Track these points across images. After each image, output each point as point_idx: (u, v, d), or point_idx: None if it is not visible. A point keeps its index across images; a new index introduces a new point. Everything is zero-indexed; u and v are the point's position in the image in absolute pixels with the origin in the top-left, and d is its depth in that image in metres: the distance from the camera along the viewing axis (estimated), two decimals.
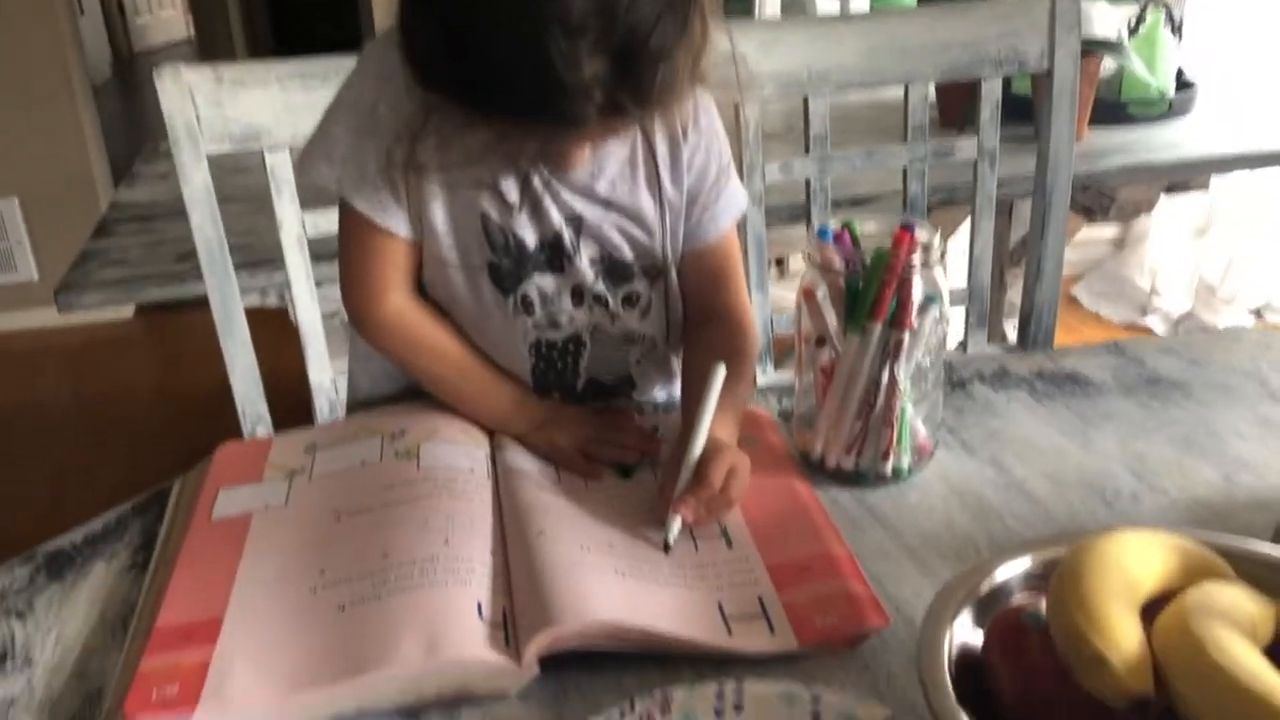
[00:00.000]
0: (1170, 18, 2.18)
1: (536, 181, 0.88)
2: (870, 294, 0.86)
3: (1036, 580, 0.66)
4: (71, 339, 3.21)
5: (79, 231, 1.85)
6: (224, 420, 1.32)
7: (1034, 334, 1.58)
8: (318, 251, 1.27)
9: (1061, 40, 1.42)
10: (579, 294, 0.93)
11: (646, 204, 0.92)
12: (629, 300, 0.94)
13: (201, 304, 1.30)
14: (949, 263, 1.58)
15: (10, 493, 2.51)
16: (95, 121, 3.19)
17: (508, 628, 0.72)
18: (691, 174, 0.93)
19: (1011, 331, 2.42)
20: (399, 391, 1.02)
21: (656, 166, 0.91)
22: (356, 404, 1.07)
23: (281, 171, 1.25)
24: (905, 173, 1.55)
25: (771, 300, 1.48)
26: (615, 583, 0.75)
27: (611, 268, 0.93)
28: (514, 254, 0.90)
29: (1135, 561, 0.59)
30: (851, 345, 0.88)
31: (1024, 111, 1.98)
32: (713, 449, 0.84)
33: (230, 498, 0.89)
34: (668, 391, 1.04)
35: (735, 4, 2.84)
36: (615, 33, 0.70)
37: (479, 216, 0.89)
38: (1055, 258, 1.57)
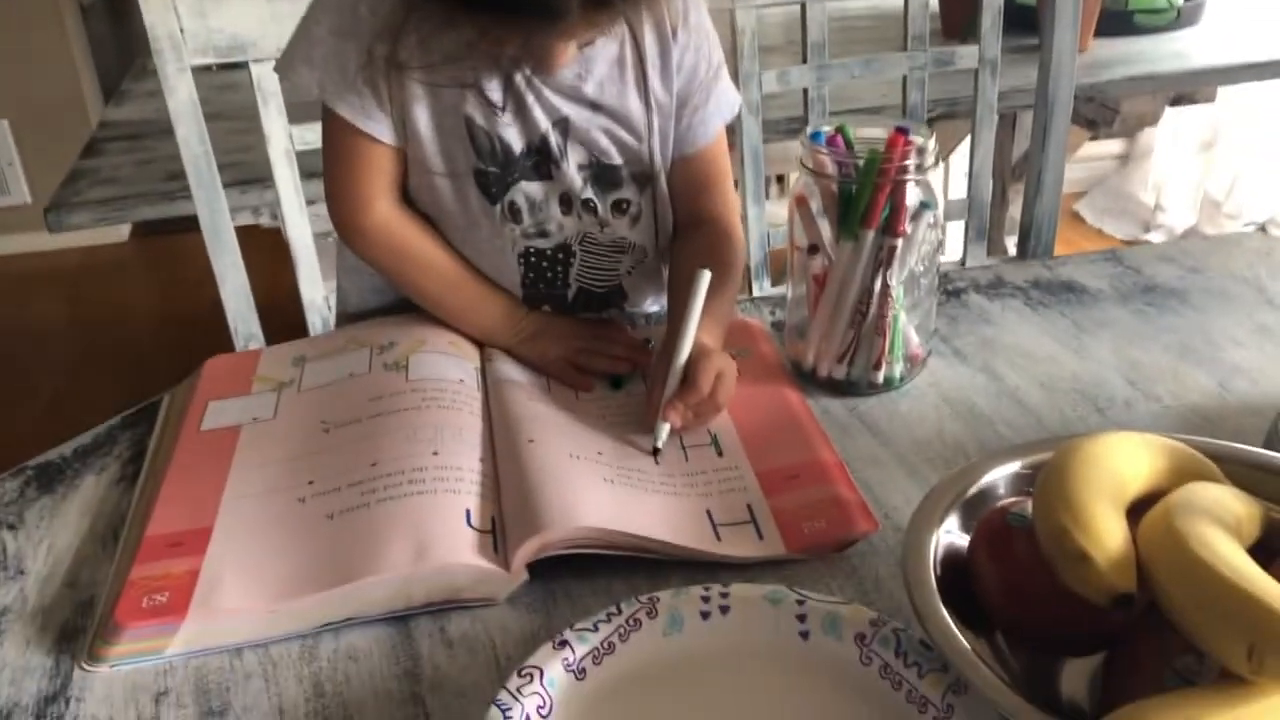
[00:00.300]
0: None
1: (521, 83, 0.86)
2: (863, 200, 0.84)
3: (1024, 483, 0.66)
4: (66, 261, 3.19)
5: (70, 153, 1.82)
6: (220, 341, 1.31)
7: (1033, 248, 1.56)
8: (309, 168, 1.25)
9: None
10: (567, 201, 0.92)
11: (635, 106, 0.90)
12: (618, 207, 0.93)
13: (196, 225, 1.28)
14: (950, 176, 1.56)
15: (7, 414, 2.52)
16: (84, 41, 3.14)
17: (496, 535, 0.72)
18: (681, 75, 0.91)
19: (1012, 247, 2.40)
20: (388, 305, 1.01)
21: (645, 67, 0.89)
22: (346, 317, 1.06)
23: (268, 83, 1.23)
24: (905, 82, 1.52)
25: (769, 216, 1.47)
26: (604, 490, 0.75)
27: (600, 173, 0.91)
28: (500, 159, 0.89)
29: (1122, 462, 0.58)
30: (844, 252, 0.86)
31: (1028, 21, 1.93)
32: (699, 354, 0.83)
33: (219, 410, 0.88)
34: (659, 303, 1.03)
35: None
36: None
37: (463, 121, 0.87)
38: (1056, 171, 1.55)
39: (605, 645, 0.62)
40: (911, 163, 0.84)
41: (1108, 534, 0.53)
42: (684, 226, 0.97)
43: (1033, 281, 1.06)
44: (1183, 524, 0.52)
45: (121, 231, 3.28)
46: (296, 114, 1.23)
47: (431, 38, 0.79)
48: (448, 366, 0.89)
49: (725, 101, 0.95)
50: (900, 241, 0.85)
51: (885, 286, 0.86)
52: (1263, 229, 3.12)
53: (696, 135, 0.94)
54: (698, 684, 0.61)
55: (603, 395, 0.89)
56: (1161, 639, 0.54)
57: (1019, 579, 0.59)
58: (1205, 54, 2.03)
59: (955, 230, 1.70)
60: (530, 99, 0.87)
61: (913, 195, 0.85)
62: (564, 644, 0.61)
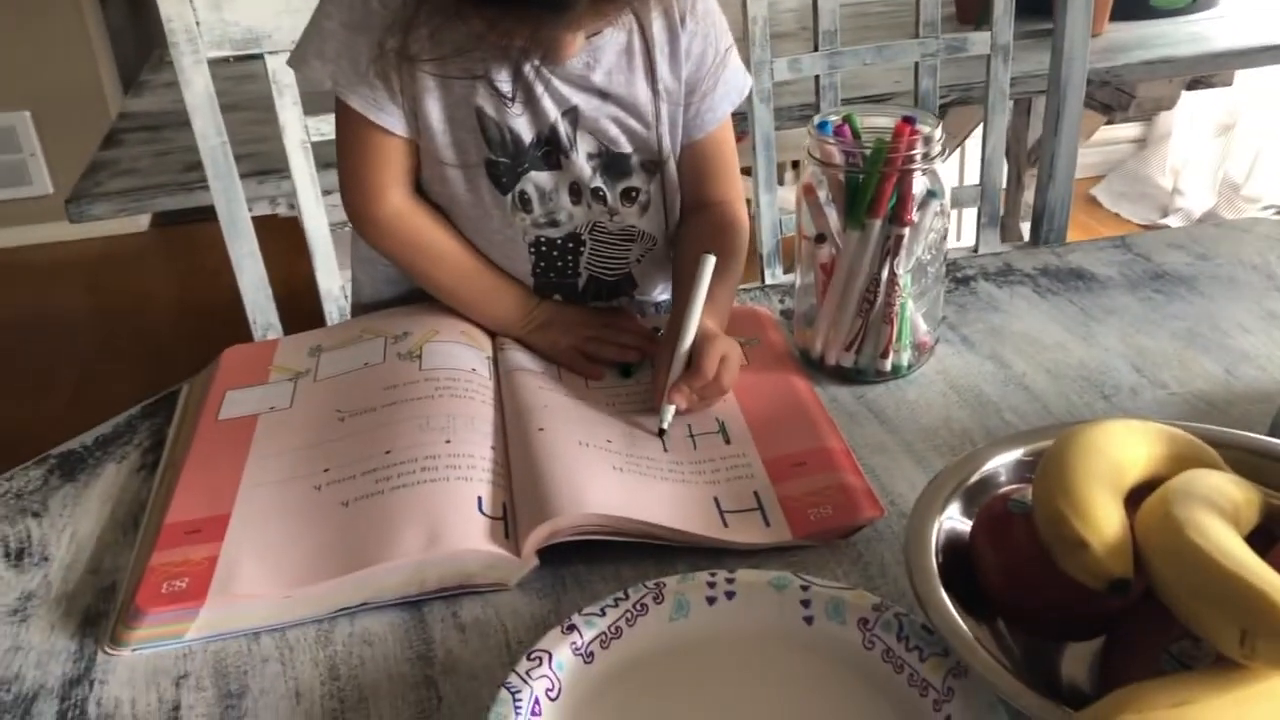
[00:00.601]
0: None
1: (530, 73, 0.87)
2: (870, 189, 0.85)
3: (1026, 470, 0.67)
4: (88, 251, 3.22)
5: (90, 143, 1.85)
6: (239, 330, 1.33)
7: (1046, 233, 1.57)
8: (325, 159, 1.27)
9: None
10: (577, 190, 0.93)
11: (644, 94, 0.91)
12: (627, 196, 0.94)
13: (215, 215, 1.30)
14: (966, 162, 1.56)
15: (30, 403, 2.55)
16: (103, 32, 3.16)
17: (507, 521, 0.73)
18: (690, 62, 0.92)
19: (1028, 233, 2.40)
20: (402, 295, 1.02)
21: (654, 55, 0.90)
22: (360, 307, 1.08)
23: (283, 75, 1.24)
24: (916, 69, 1.52)
25: (781, 203, 1.47)
26: (613, 477, 0.76)
27: (609, 162, 0.92)
28: (510, 150, 0.90)
29: (1122, 449, 0.59)
30: (851, 241, 0.87)
31: (1042, 7, 1.93)
32: (704, 338, 0.85)
33: (236, 399, 0.90)
34: (669, 291, 1.04)
35: None
36: None
37: (474, 112, 0.88)
38: (1068, 156, 1.55)
39: (613, 629, 0.63)
40: (918, 152, 0.85)
41: (1104, 520, 0.54)
42: (689, 211, 0.98)
43: (1041, 269, 1.07)
44: (1179, 510, 0.53)
45: (141, 222, 3.30)
46: (312, 105, 1.25)
47: (441, 30, 0.80)
48: (460, 356, 0.90)
49: (734, 86, 0.95)
50: (907, 230, 0.86)
51: (892, 275, 0.87)
52: None
53: (705, 121, 0.94)
54: (703, 668, 0.62)
55: (613, 384, 0.91)
56: (1159, 624, 0.55)
57: (1019, 565, 0.59)
58: (1223, 37, 2.02)
59: (971, 216, 1.70)
60: (539, 89, 0.88)
61: (919, 184, 0.86)
62: (572, 628, 0.62)
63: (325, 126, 1.25)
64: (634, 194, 0.94)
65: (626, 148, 0.92)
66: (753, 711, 0.60)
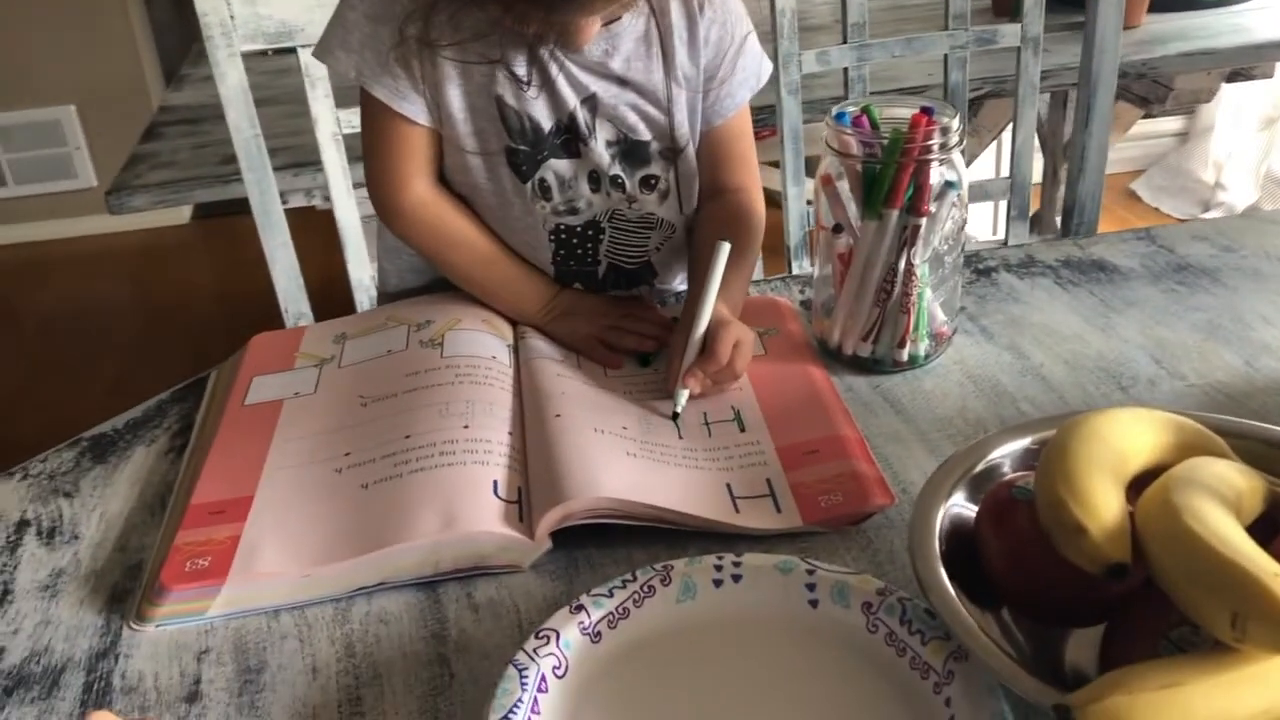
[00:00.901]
0: None
1: (549, 60, 0.88)
2: (887, 179, 0.86)
3: (1033, 458, 0.67)
4: (130, 243, 3.27)
5: (133, 137, 1.88)
6: (276, 320, 1.35)
7: (1076, 227, 1.56)
8: (356, 152, 1.29)
9: None
10: (595, 178, 0.94)
11: (662, 81, 0.92)
12: (646, 184, 0.95)
13: None
14: (1002, 155, 1.55)
15: (74, 391, 2.60)
16: (147, 26, 3.21)
17: (522, 504, 0.75)
18: (709, 49, 0.93)
19: None
20: (426, 284, 1.04)
21: (672, 43, 0.91)
22: (386, 296, 1.09)
23: (316, 68, 1.26)
24: (946, 62, 1.52)
25: (809, 195, 1.47)
26: (626, 463, 0.78)
27: (628, 150, 0.93)
28: (530, 137, 0.91)
29: (1126, 437, 0.59)
30: (868, 232, 0.88)
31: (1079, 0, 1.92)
32: (718, 324, 0.86)
33: (262, 385, 0.92)
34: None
35: None
36: None
37: (494, 100, 0.90)
38: (1099, 149, 1.54)
39: (620, 610, 0.64)
40: (935, 142, 0.85)
41: (1103, 506, 0.54)
42: (706, 198, 0.99)
43: (1064, 260, 1.07)
44: (1178, 497, 0.53)
45: (183, 213, 3.35)
46: (344, 98, 1.26)
47: (460, 15, 0.81)
48: (481, 343, 0.92)
49: (753, 72, 0.96)
50: (924, 221, 0.86)
51: (909, 265, 0.87)
52: None
53: (724, 107, 0.95)
54: (709, 649, 0.63)
55: (631, 372, 0.92)
56: (1159, 610, 0.55)
57: (1021, 550, 0.60)
58: (1264, 28, 2.00)
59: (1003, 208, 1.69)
60: (558, 76, 0.89)
61: (937, 175, 0.86)
62: (580, 608, 0.63)
63: (356, 119, 1.26)
64: (653, 181, 0.95)
65: (645, 135, 0.93)
66: (757, 693, 0.61)
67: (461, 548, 0.72)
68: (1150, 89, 2.25)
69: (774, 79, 1.40)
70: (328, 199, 1.37)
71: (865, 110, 0.89)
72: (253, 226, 1.33)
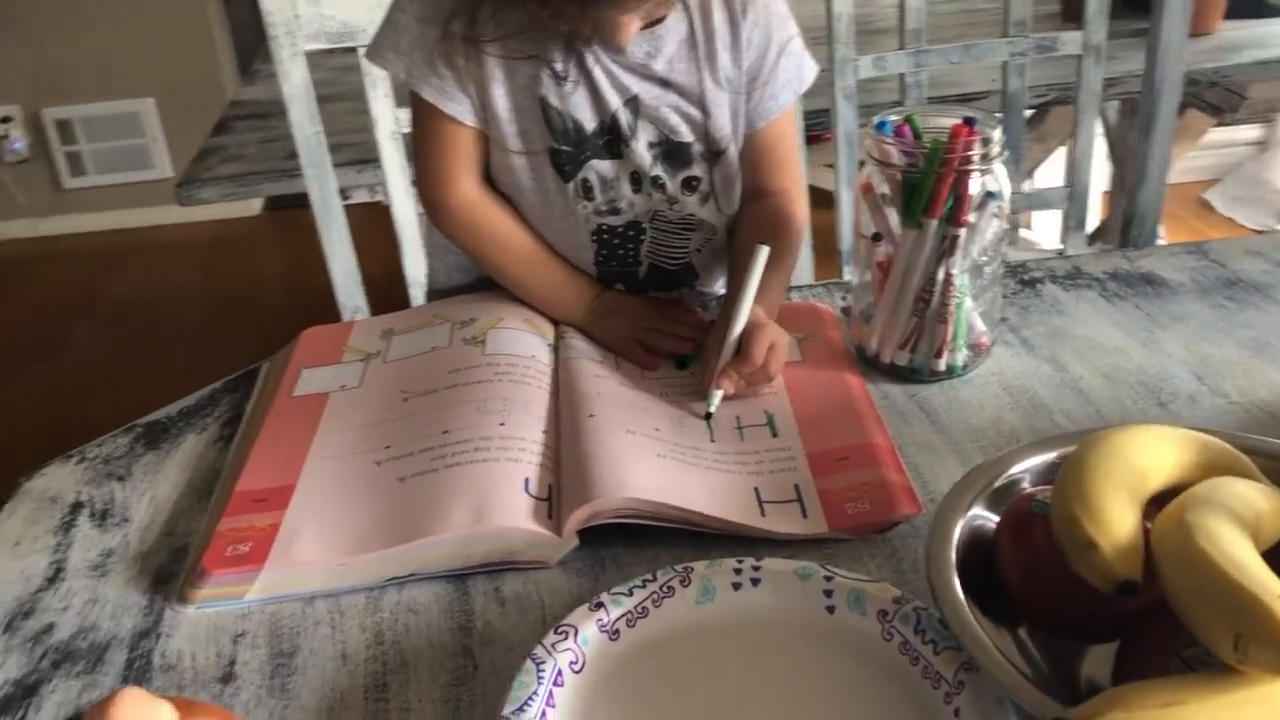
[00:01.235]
0: None
1: (592, 62, 0.90)
2: (926, 189, 0.86)
3: (1056, 472, 0.67)
4: (203, 233, 3.36)
5: (208, 130, 1.94)
6: (337, 314, 1.39)
7: (1135, 237, 1.54)
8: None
9: None
10: (637, 179, 0.95)
11: (705, 84, 0.93)
12: (688, 185, 0.96)
13: None
14: (1082, 162, 1.52)
15: (144, 381, 2.67)
16: (224, 22, 3.29)
17: (552, 502, 0.76)
18: (751, 51, 0.94)
19: None
20: (473, 282, 1.06)
21: (715, 45, 0.92)
22: (434, 293, 1.12)
23: (376, 68, 1.29)
24: (1005, 69, 1.51)
25: None
26: (656, 464, 0.79)
27: (670, 151, 0.95)
28: (573, 138, 0.93)
29: (1147, 454, 0.59)
30: (907, 240, 0.88)
31: (1148, 5, 1.89)
32: (754, 326, 0.87)
33: (310, 378, 0.94)
34: None
35: None
36: None
37: (538, 102, 0.91)
38: (1161, 159, 1.52)
39: (639, 609, 0.65)
40: (976, 153, 0.85)
41: (1116, 523, 0.54)
42: (747, 200, 1.00)
43: (1111, 273, 1.06)
44: (1193, 516, 0.53)
45: (254, 205, 3.43)
46: (403, 97, 1.29)
47: (503, 12, 0.83)
48: (522, 343, 0.93)
49: (796, 75, 0.97)
50: (963, 231, 0.86)
51: (948, 275, 0.87)
52: None
53: (766, 110, 0.96)
54: (725, 651, 0.64)
55: (667, 374, 0.93)
56: (1172, 629, 0.55)
57: (1037, 564, 0.60)
58: None
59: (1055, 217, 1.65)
60: (601, 77, 0.91)
61: (977, 185, 0.86)
62: (600, 605, 0.65)
63: None
64: (694, 183, 0.96)
65: (687, 137, 0.94)
66: (770, 695, 0.62)
67: (491, 542, 0.74)
68: (1223, 97, 2.21)
69: (829, 83, 1.41)
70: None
71: (908, 120, 0.89)
72: None
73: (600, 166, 0.94)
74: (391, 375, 0.93)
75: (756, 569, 0.67)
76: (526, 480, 0.77)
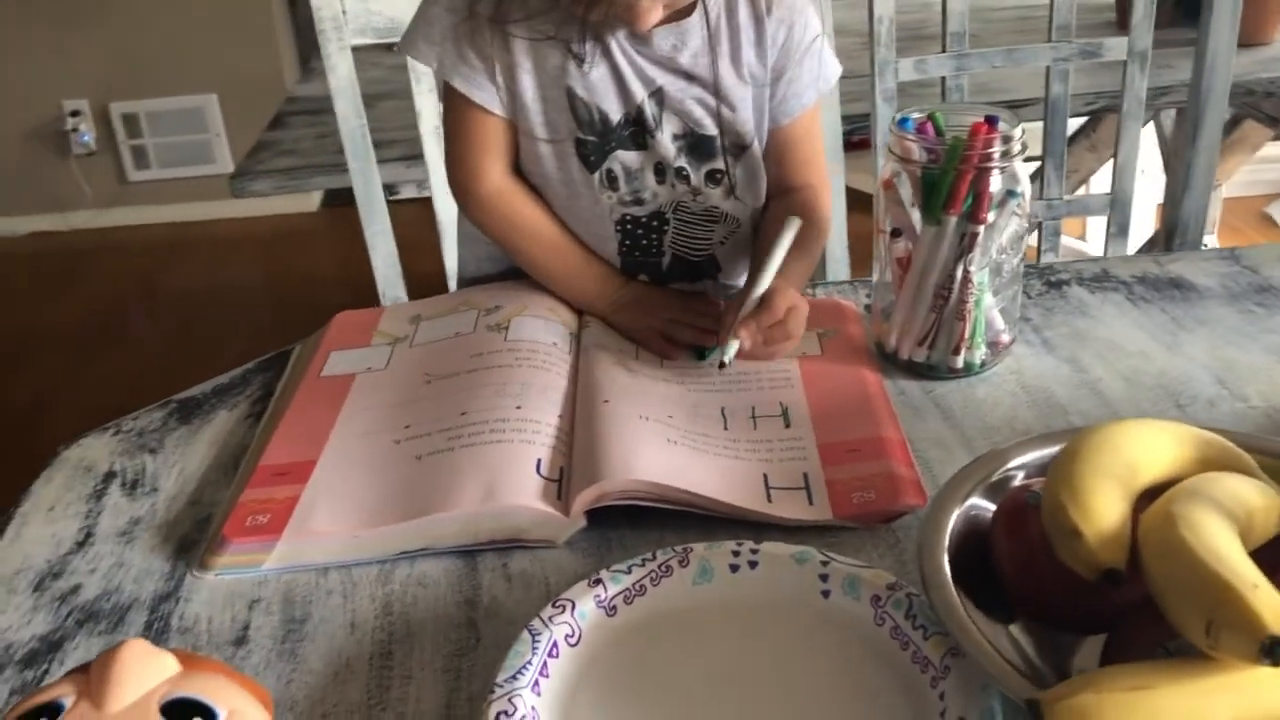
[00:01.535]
0: None
1: (618, 52, 0.92)
2: (945, 185, 0.86)
3: None
4: (262, 228, 3.43)
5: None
6: (381, 302, 1.42)
7: (1178, 248, 1.52)
8: None
9: None
10: (661, 170, 0.96)
11: (730, 78, 0.94)
12: (711, 178, 0.97)
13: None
14: (1125, 170, 1.50)
15: (199, 368, 2.72)
16: (287, 20, 3.36)
17: (562, 483, 0.78)
18: (776, 48, 0.94)
19: None
20: (501, 272, 1.08)
21: (740, 40, 0.93)
22: (464, 282, 1.14)
23: (421, 64, 1.31)
24: (1048, 74, 1.50)
25: None
26: (666, 448, 0.80)
27: (694, 144, 0.96)
28: (598, 128, 0.94)
29: (1141, 447, 0.59)
30: (926, 237, 0.88)
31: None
32: (776, 288, 0.89)
33: (339, 359, 0.97)
34: None
35: None
36: None
37: (565, 92, 0.93)
38: (1206, 168, 1.50)
39: (637, 587, 0.66)
40: (996, 150, 0.85)
41: (1102, 511, 0.55)
42: (772, 196, 1.01)
43: (1139, 277, 1.05)
44: (1178, 507, 0.53)
45: (313, 200, 3.49)
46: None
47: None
48: (544, 330, 0.95)
49: (820, 74, 0.97)
50: (982, 229, 0.86)
51: (966, 273, 0.88)
52: None
53: (790, 107, 0.97)
54: (720, 631, 0.65)
55: (686, 364, 0.94)
56: (1158, 621, 0.55)
57: (1029, 554, 0.60)
58: None
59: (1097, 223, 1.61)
60: (627, 69, 0.92)
61: (997, 183, 0.86)
62: (598, 582, 0.66)
63: None
64: (718, 176, 0.97)
65: (711, 130, 0.96)
66: (762, 675, 0.63)
67: (499, 520, 0.75)
68: None
69: (870, 85, 1.41)
70: None
71: (931, 117, 0.90)
72: None
73: (625, 157, 0.96)
74: (416, 359, 0.95)
75: (755, 552, 0.68)
76: (539, 461, 0.79)
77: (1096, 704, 0.47)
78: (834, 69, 0.99)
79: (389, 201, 1.40)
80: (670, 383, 0.90)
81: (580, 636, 0.64)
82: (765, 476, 0.79)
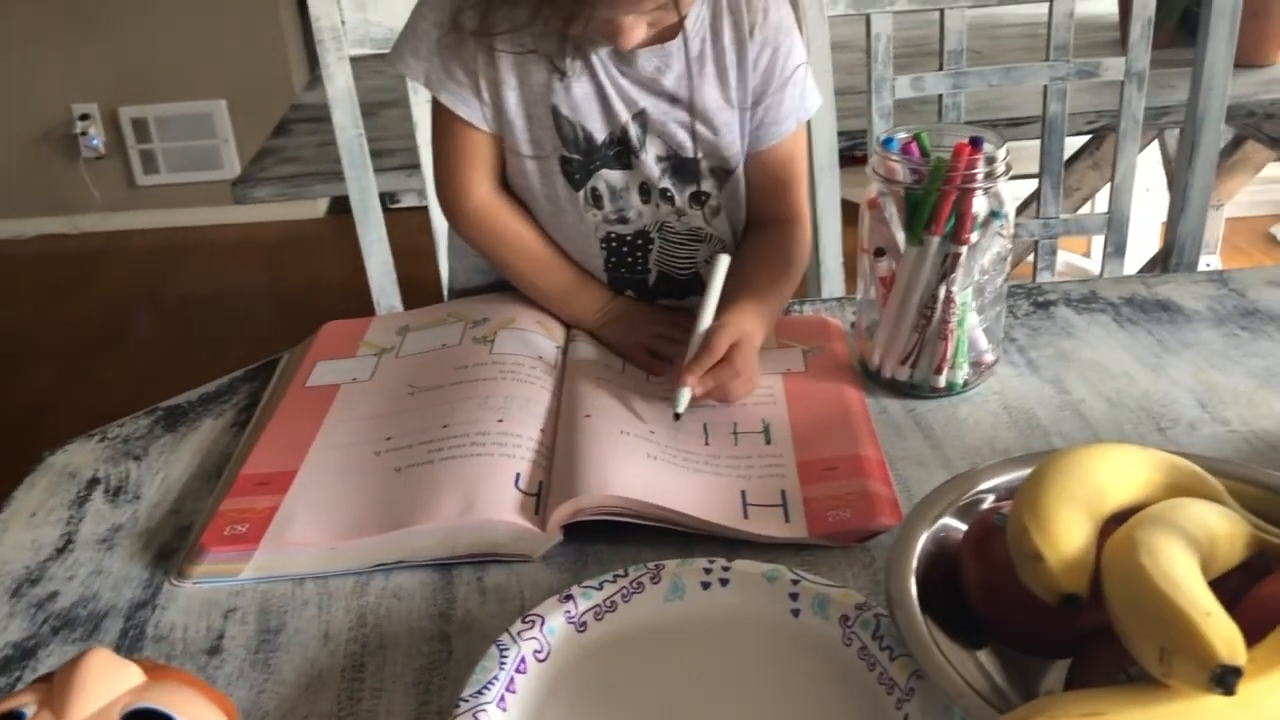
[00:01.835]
0: None
1: (602, 72, 0.92)
2: (928, 206, 0.86)
3: None
4: (268, 234, 3.44)
5: None
6: (376, 311, 1.42)
7: (1175, 267, 1.52)
8: None
9: None
10: (646, 190, 0.97)
11: (715, 102, 0.94)
12: (696, 199, 0.98)
13: (386, 202, 1.40)
14: (1122, 189, 1.50)
15: (200, 372, 2.73)
16: (297, 28, 3.38)
17: (540, 498, 0.78)
18: (757, 73, 0.95)
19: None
20: (491, 284, 1.08)
21: (724, 65, 0.93)
22: (454, 293, 1.14)
23: None
24: (1046, 93, 1.50)
25: None
26: (643, 464, 0.80)
27: (678, 165, 0.96)
28: (583, 147, 0.95)
29: (1109, 472, 0.60)
30: (910, 257, 0.89)
31: None
32: (718, 325, 0.90)
33: (325, 370, 0.97)
34: None
35: None
36: None
37: (550, 110, 0.93)
38: (1203, 188, 1.50)
39: (607, 603, 0.67)
40: (979, 172, 0.85)
41: (1064, 536, 0.55)
42: (752, 222, 1.01)
43: (1127, 298, 1.05)
44: (1140, 533, 0.53)
45: (318, 208, 3.51)
46: None
47: (513, 11, 0.86)
48: (530, 343, 0.96)
49: (800, 104, 0.97)
50: (965, 249, 0.86)
51: (949, 293, 0.88)
52: None
53: (769, 134, 0.97)
54: (690, 648, 0.66)
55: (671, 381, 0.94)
56: (1121, 645, 0.55)
57: (994, 577, 0.60)
58: None
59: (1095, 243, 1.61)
60: (611, 90, 0.93)
61: (980, 204, 0.86)
62: (569, 598, 0.66)
63: None
64: (704, 198, 0.98)
65: (696, 152, 0.96)
66: (729, 693, 0.63)
67: (476, 534, 0.75)
68: None
69: (866, 102, 1.41)
70: None
71: (916, 137, 0.90)
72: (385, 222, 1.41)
73: (610, 176, 0.96)
74: (402, 370, 0.95)
75: (726, 569, 0.68)
76: (518, 475, 0.79)
77: None
78: (815, 100, 0.99)
79: (389, 210, 1.41)
80: (654, 398, 0.91)
81: (549, 652, 0.64)
82: (743, 493, 0.79)
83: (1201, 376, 0.92)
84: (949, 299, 0.88)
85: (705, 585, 0.68)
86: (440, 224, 1.41)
